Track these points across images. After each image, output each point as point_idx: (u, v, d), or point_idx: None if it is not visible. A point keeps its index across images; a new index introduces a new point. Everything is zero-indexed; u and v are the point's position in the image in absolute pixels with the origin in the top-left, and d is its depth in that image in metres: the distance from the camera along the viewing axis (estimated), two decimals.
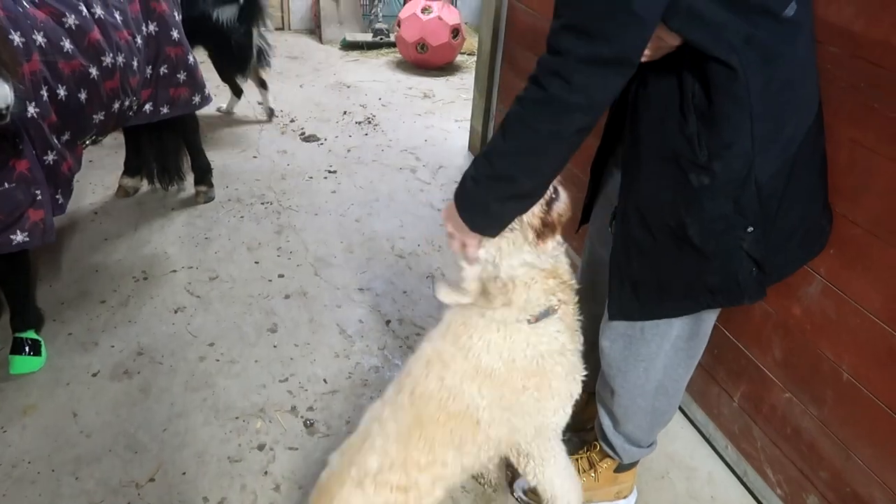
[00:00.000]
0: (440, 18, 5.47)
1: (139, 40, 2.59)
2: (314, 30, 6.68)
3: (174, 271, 2.85)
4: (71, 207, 2.46)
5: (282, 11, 6.68)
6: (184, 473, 1.94)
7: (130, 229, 3.14)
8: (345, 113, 4.73)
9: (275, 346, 2.46)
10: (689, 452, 2.12)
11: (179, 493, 1.88)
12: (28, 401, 2.16)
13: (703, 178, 1.25)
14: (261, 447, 2.04)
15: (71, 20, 2.22)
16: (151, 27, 2.69)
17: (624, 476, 1.87)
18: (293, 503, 1.87)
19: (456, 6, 6.26)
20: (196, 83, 2.94)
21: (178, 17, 2.84)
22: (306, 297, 2.74)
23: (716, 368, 2.04)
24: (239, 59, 4.00)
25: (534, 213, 1.31)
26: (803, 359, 1.73)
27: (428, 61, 5.68)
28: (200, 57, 3.34)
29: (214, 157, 3.57)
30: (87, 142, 2.47)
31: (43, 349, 2.32)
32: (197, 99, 2.97)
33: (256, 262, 2.95)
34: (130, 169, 3.38)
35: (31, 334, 2.31)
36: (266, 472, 1.96)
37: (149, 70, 2.70)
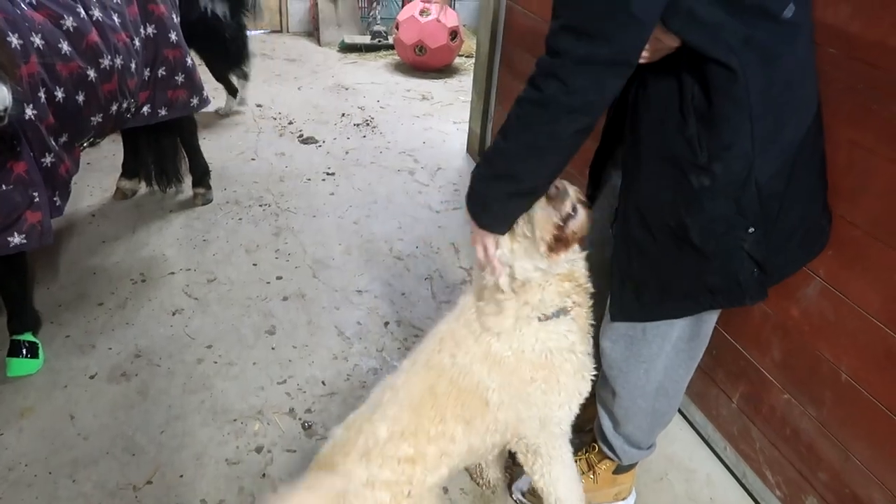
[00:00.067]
0: (438, 21, 5.48)
1: (137, 42, 2.59)
2: (312, 32, 6.68)
3: (172, 273, 2.85)
4: (68, 209, 2.45)
5: (280, 14, 6.69)
6: (181, 476, 1.93)
7: (128, 231, 3.14)
8: (343, 115, 4.73)
9: (273, 349, 2.46)
10: (687, 454, 2.11)
11: (177, 496, 1.87)
12: (25, 403, 2.15)
13: (704, 180, 1.25)
14: (259, 449, 2.03)
15: (69, 22, 2.21)
16: (149, 29, 2.69)
17: (623, 477, 1.87)
18: None
19: (454, 8, 6.27)
20: (194, 85, 2.94)
21: (176, 19, 2.84)
22: (304, 299, 2.74)
23: (715, 370, 2.04)
24: (234, 53, 4.02)
25: (548, 228, 1.31)
26: (802, 360, 1.73)
27: (426, 63, 5.69)
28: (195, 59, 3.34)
29: (212, 159, 3.57)
30: (85, 144, 2.47)
31: (40, 352, 2.31)
32: (195, 101, 2.97)
33: (254, 265, 2.95)
34: (128, 171, 3.38)
35: (28, 337, 2.30)
36: (264, 475, 1.95)
37: (147, 72, 2.70)
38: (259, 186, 3.64)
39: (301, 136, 4.33)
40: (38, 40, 2.08)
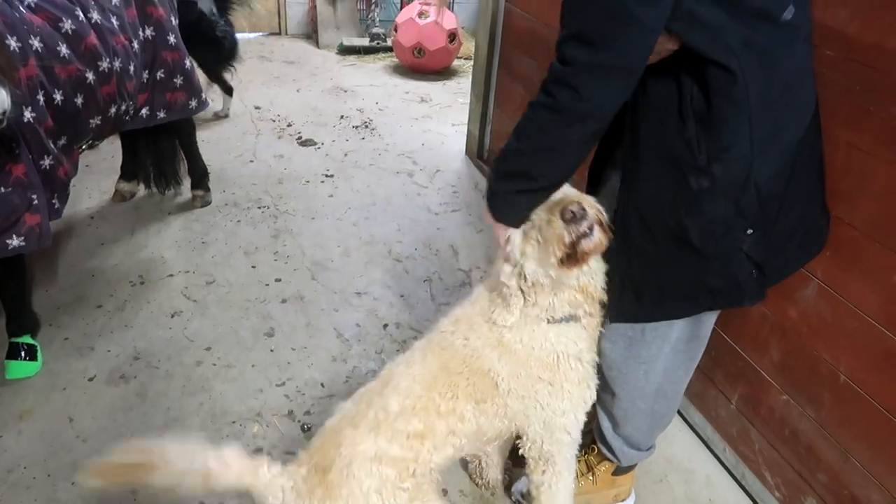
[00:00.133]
0: (437, 23, 5.48)
1: (136, 45, 2.59)
2: (311, 34, 6.69)
3: (171, 276, 2.85)
4: (67, 212, 2.45)
5: (278, 16, 6.69)
6: None
7: (127, 234, 3.14)
8: (342, 117, 4.73)
9: (272, 351, 2.46)
10: (687, 455, 2.11)
11: (176, 499, 1.87)
12: (24, 406, 2.15)
13: (703, 181, 1.26)
14: (258, 452, 2.03)
15: (67, 25, 2.22)
16: (148, 32, 2.69)
17: (622, 479, 1.87)
18: None
19: (453, 11, 6.28)
20: (193, 87, 2.94)
21: (174, 22, 2.84)
22: (303, 301, 2.74)
23: (713, 371, 2.04)
24: (226, 49, 4.04)
25: (560, 245, 1.31)
26: (800, 361, 1.73)
27: (425, 66, 5.69)
28: None
29: (211, 161, 3.57)
30: (84, 146, 2.47)
31: (39, 354, 2.31)
32: (194, 103, 2.97)
33: (253, 267, 2.95)
34: (127, 173, 3.38)
35: (27, 339, 2.30)
36: None
37: (145, 75, 2.70)
38: (258, 188, 3.64)
39: (300, 138, 4.33)
40: (36, 43, 2.08)
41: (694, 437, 2.18)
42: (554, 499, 1.62)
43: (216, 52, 4.00)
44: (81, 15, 2.29)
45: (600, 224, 1.34)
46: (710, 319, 1.55)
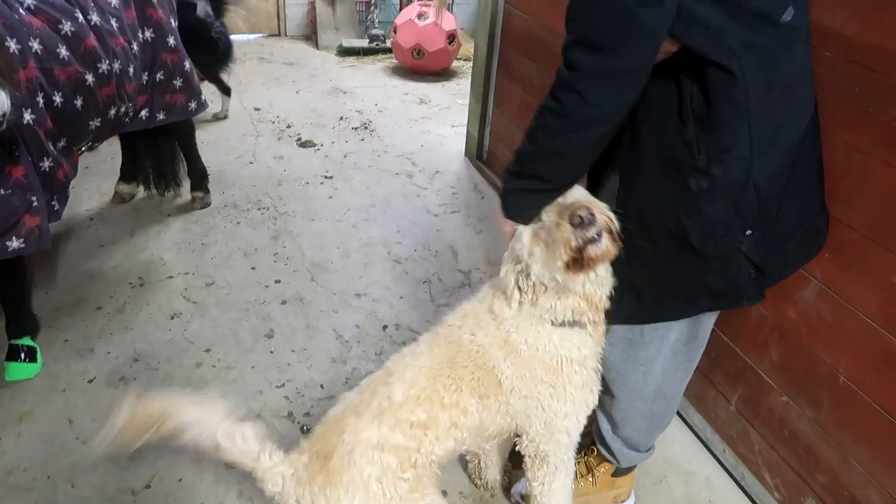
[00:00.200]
0: (436, 24, 5.48)
1: (135, 47, 2.59)
2: (310, 36, 6.69)
3: (170, 277, 2.85)
4: (67, 214, 2.45)
5: (278, 18, 6.69)
6: (180, 480, 1.93)
7: (126, 235, 3.14)
8: (341, 118, 4.73)
9: (271, 352, 2.46)
10: (686, 456, 2.11)
11: (176, 501, 1.87)
12: (24, 407, 2.14)
13: (703, 183, 1.26)
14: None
15: (67, 27, 2.22)
16: (147, 34, 2.69)
17: (622, 480, 1.87)
18: None
19: (452, 12, 6.28)
20: (192, 89, 2.94)
21: (174, 23, 2.85)
22: (303, 302, 2.74)
23: (713, 372, 2.04)
24: (222, 50, 4.05)
25: (567, 249, 1.31)
26: (800, 362, 1.73)
27: (424, 67, 5.69)
28: None
29: (210, 162, 3.57)
30: (84, 148, 2.47)
31: (39, 356, 2.31)
32: (193, 105, 2.97)
33: (253, 268, 2.95)
34: (126, 175, 3.38)
35: (26, 341, 2.30)
36: None
37: (145, 76, 2.70)
38: (257, 190, 3.64)
39: (299, 139, 4.33)
40: (36, 45, 2.08)
41: (693, 439, 2.18)
42: (551, 498, 1.62)
43: (212, 53, 4.01)
44: (81, 17, 2.29)
45: (609, 232, 1.33)
46: (709, 320, 1.55)
